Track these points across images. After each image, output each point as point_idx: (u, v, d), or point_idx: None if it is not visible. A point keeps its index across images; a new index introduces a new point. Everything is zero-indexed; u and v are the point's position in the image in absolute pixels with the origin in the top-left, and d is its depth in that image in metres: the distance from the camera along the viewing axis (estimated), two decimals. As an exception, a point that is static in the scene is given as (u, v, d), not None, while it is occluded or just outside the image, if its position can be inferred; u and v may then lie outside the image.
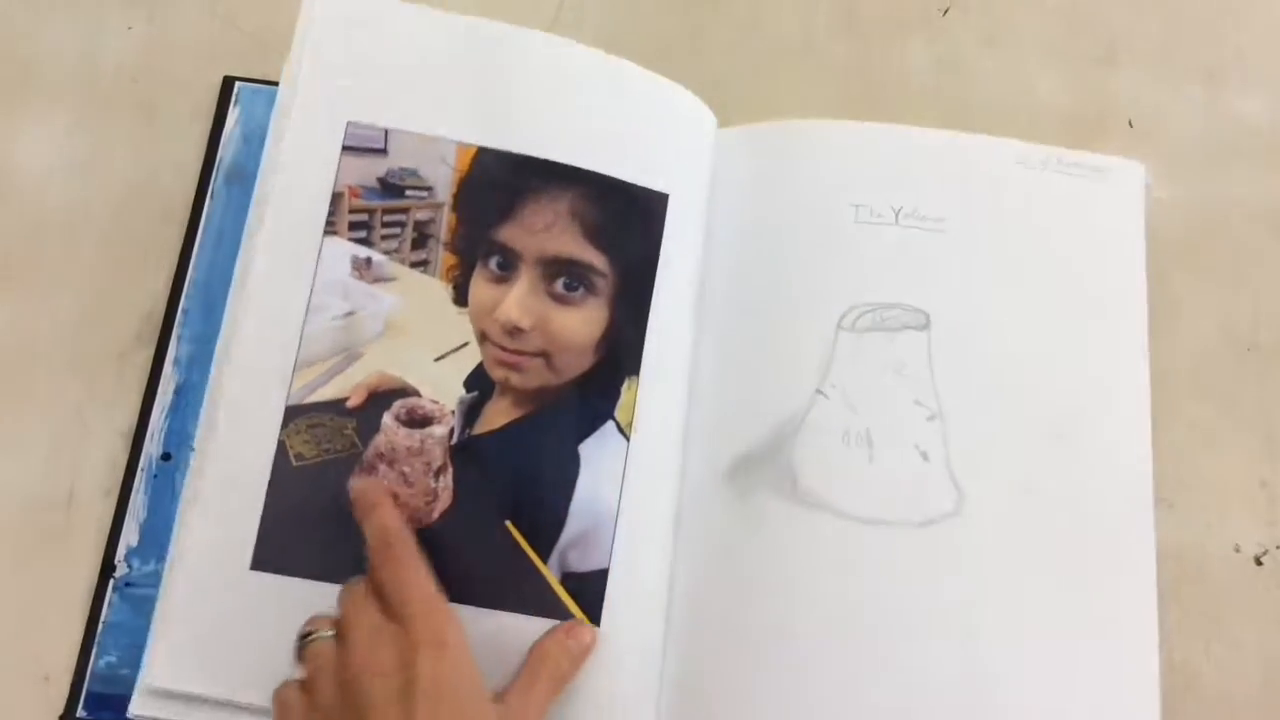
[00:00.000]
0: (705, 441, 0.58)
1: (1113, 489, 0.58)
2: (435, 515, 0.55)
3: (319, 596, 0.52)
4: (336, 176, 0.58)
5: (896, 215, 0.62)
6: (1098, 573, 0.56)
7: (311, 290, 0.56)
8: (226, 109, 0.63)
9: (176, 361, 0.59)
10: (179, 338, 0.59)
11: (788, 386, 0.59)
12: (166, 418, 0.58)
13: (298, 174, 0.57)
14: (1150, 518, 0.57)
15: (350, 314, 0.57)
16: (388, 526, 0.51)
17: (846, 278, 0.61)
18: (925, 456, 0.58)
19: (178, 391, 0.58)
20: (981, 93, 0.67)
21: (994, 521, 0.57)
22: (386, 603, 0.48)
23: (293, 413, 0.55)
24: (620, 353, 0.58)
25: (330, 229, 0.57)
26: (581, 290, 0.58)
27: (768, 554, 0.56)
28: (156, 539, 0.56)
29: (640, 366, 0.58)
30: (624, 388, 0.57)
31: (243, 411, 0.55)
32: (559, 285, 0.58)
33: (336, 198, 0.58)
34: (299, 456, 0.55)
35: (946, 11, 0.69)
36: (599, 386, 0.57)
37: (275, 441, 0.54)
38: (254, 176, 0.60)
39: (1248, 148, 0.66)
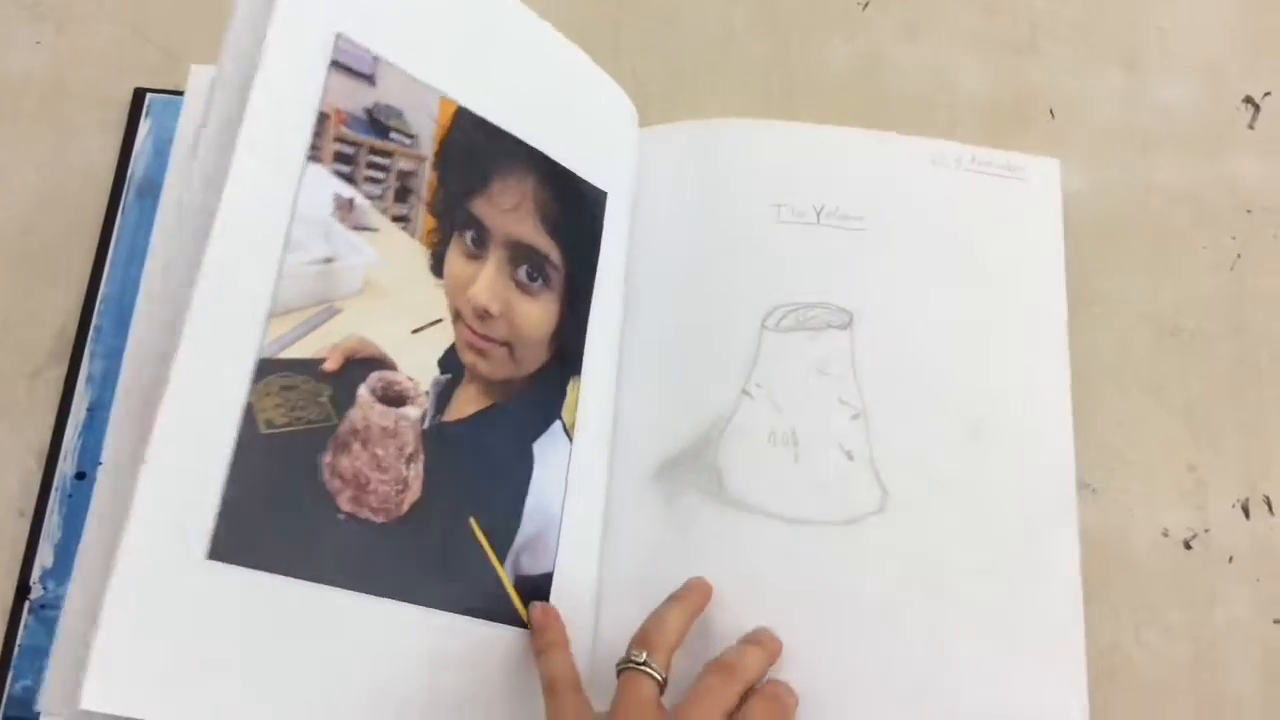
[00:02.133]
0: (634, 444, 0.58)
1: (1033, 483, 0.58)
2: (405, 507, 0.51)
3: (283, 597, 0.46)
4: (323, 95, 0.51)
5: (818, 214, 0.62)
6: (1020, 565, 0.56)
7: (291, 220, 0.49)
8: (138, 121, 0.62)
9: (90, 379, 0.58)
10: (91, 354, 0.58)
11: (714, 388, 0.59)
12: (80, 436, 0.57)
13: (280, 81, 0.49)
14: (1073, 510, 0.57)
15: (330, 260, 0.51)
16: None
17: (769, 278, 0.61)
18: (850, 455, 0.58)
19: (91, 409, 0.57)
20: (902, 86, 0.67)
21: (917, 518, 0.57)
22: None
23: (266, 368, 0.47)
24: (567, 351, 0.57)
25: (315, 154, 0.50)
26: (540, 281, 0.57)
27: (695, 555, 0.56)
28: (71, 560, 0.55)
29: (581, 368, 0.57)
30: (569, 387, 0.57)
31: (206, 358, 0.45)
32: (522, 273, 0.56)
33: (323, 119, 0.51)
34: (269, 423, 0.47)
35: (866, 6, 0.68)
36: (550, 384, 0.57)
37: (244, 400, 0.46)
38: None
39: (1169, 134, 0.66)
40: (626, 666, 0.50)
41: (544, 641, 0.52)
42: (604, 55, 0.66)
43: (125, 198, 0.61)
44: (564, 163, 0.58)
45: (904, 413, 0.59)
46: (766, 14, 0.68)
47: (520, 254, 0.56)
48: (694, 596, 0.54)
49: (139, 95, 0.63)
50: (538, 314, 0.57)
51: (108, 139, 0.62)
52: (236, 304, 0.47)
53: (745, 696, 0.50)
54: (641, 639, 0.51)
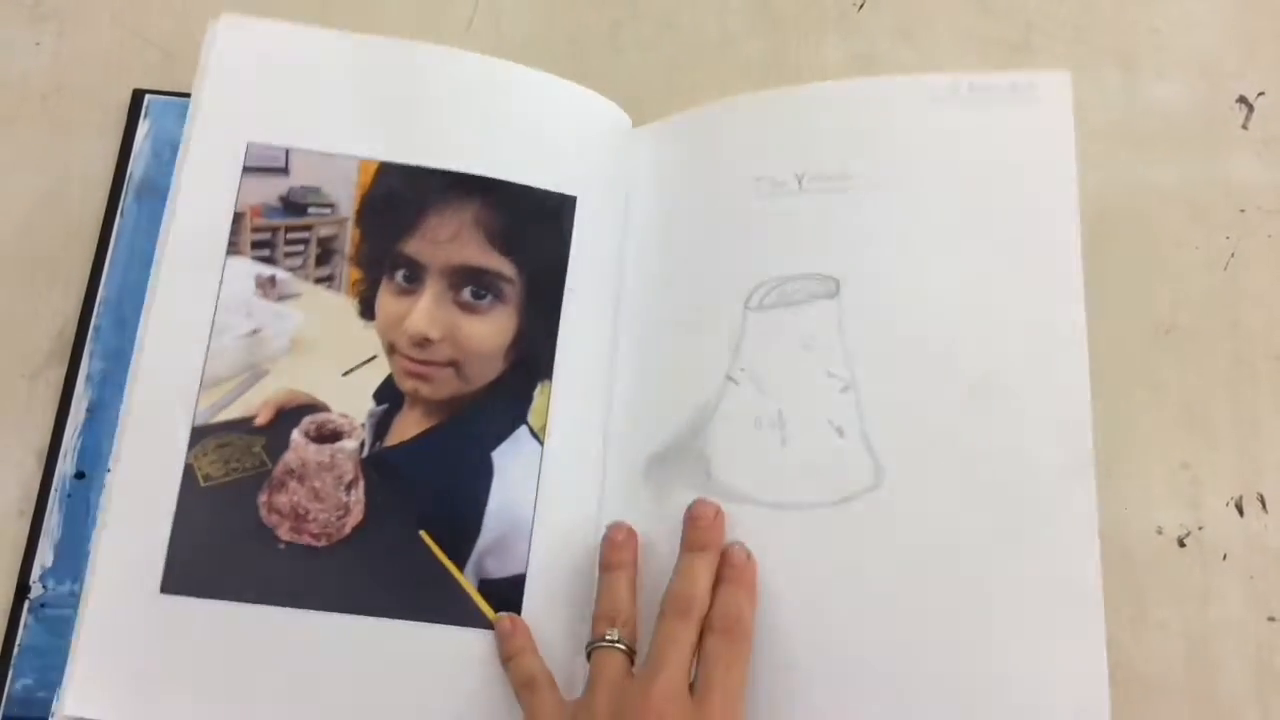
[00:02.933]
0: (623, 441, 0.58)
1: (1047, 442, 0.55)
2: (347, 529, 0.55)
3: (232, 618, 0.53)
4: (238, 197, 0.58)
5: (799, 181, 0.60)
6: (1034, 531, 0.54)
7: (215, 309, 0.56)
8: (136, 122, 0.62)
9: (89, 379, 0.58)
10: (91, 355, 0.58)
11: (699, 377, 0.58)
12: (80, 436, 0.57)
13: (199, 195, 0.58)
14: (1090, 470, 0.54)
15: (255, 331, 0.57)
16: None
17: (752, 256, 0.59)
18: (840, 431, 0.56)
19: (90, 409, 0.58)
20: (898, 85, 0.67)
21: (916, 489, 0.54)
22: None
23: (200, 433, 0.55)
24: (531, 358, 0.58)
25: (233, 249, 0.57)
26: (490, 298, 0.58)
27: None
28: (71, 559, 0.55)
29: (553, 371, 0.58)
30: (536, 392, 0.57)
31: (149, 433, 0.54)
32: (466, 294, 0.58)
33: (238, 218, 0.58)
34: (207, 477, 0.55)
35: (861, 6, 0.69)
36: (510, 392, 0.57)
37: (182, 463, 0.54)
38: (165, 190, 0.59)
39: (1163, 133, 0.67)
40: (595, 646, 0.51)
41: (513, 646, 0.53)
42: (602, 56, 0.67)
43: (124, 199, 0.61)
44: (513, 179, 0.59)
45: (897, 379, 0.56)
46: (763, 15, 0.68)
47: (462, 277, 0.58)
48: (624, 555, 0.54)
49: (138, 96, 0.63)
50: (487, 330, 0.58)
51: (107, 140, 0.62)
52: (169, 384, 0.55)
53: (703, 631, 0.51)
54: (601, 616, 0.52)
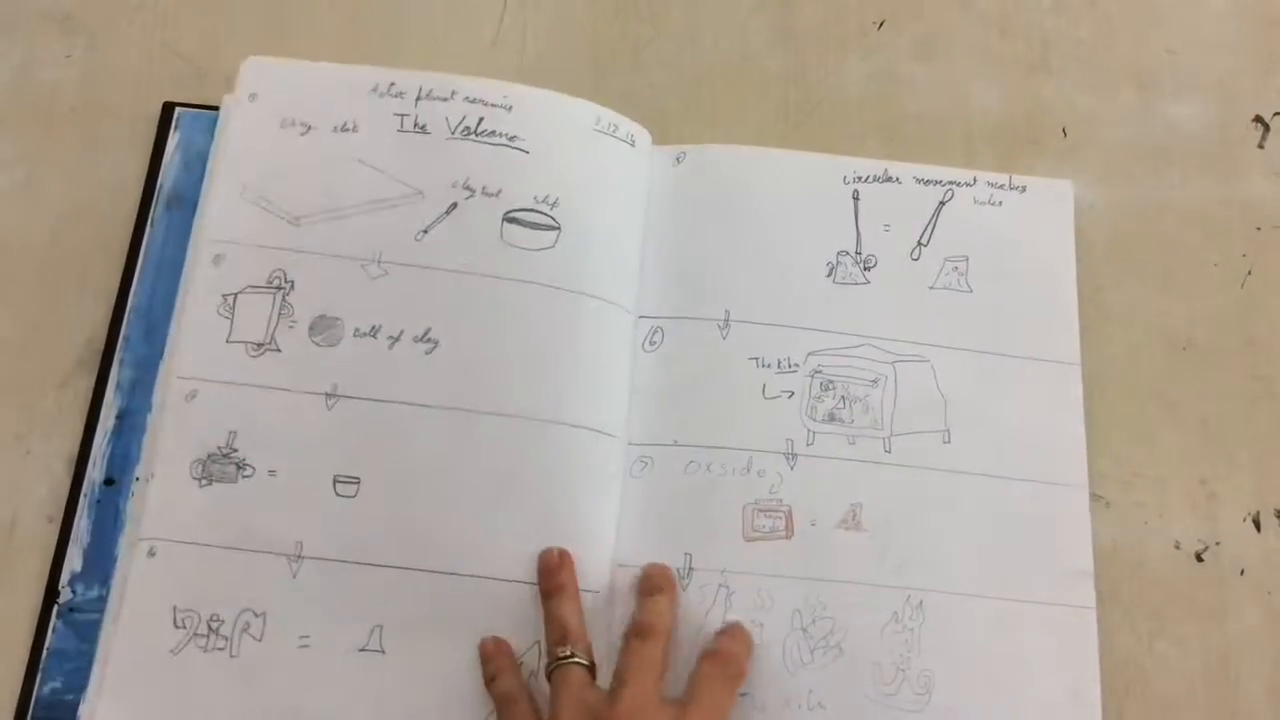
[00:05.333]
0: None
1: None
2: None
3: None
4: None
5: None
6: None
7: None
8: (166, 135, 0.63)
9: (118, 387, 0.59)
10: (120, 363, 0.59)
11: None
12: (109, 443, 0.58)
13: None
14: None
15: None
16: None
17: None
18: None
19: (119, 417, 0.58)
20: (917, 104, 0.68)
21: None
22: None
23: None
24: None
25: None
26: None
27: None
28: (100, 564, 0.56)
29: None
30: None
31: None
32: None
33: None
34: None
35: (881, 25, 0.69)
36: None
37: None
38: (193, 202, 0.61)
39: (1180, 152, 0.67)
40: (554, 665, 0.52)
41: (494, 668, 0.53)
42: (624, 73, 0.67)
43: (154, 210, 0.62)
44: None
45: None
46: (784, 33, 0.69)
47: None
48: (562, 578, 0.54)
49: (168, 109, 0.64)
50: None
51: (137, 152, 0.63)
52: None
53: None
54: (554, 640, 0.53)
